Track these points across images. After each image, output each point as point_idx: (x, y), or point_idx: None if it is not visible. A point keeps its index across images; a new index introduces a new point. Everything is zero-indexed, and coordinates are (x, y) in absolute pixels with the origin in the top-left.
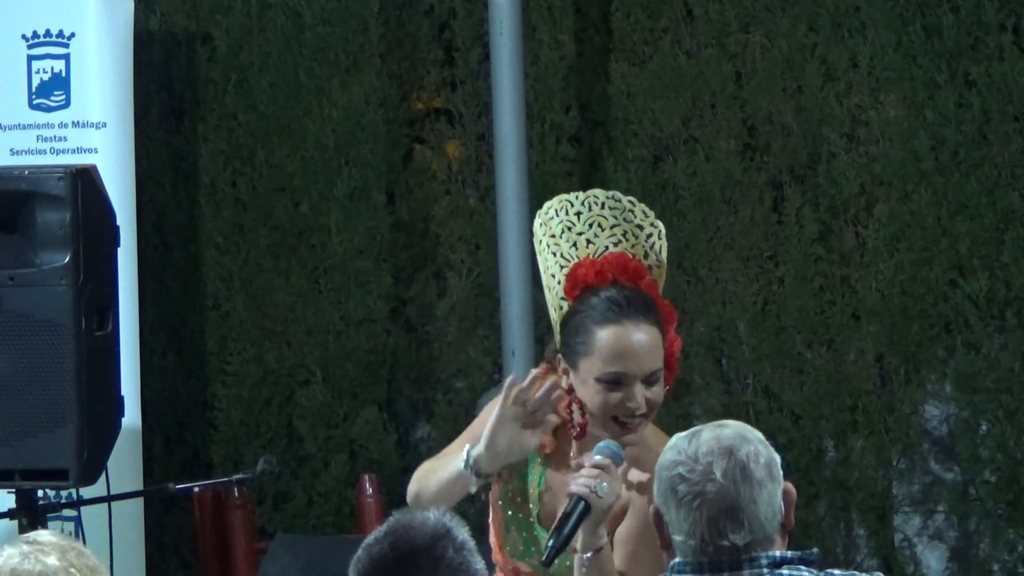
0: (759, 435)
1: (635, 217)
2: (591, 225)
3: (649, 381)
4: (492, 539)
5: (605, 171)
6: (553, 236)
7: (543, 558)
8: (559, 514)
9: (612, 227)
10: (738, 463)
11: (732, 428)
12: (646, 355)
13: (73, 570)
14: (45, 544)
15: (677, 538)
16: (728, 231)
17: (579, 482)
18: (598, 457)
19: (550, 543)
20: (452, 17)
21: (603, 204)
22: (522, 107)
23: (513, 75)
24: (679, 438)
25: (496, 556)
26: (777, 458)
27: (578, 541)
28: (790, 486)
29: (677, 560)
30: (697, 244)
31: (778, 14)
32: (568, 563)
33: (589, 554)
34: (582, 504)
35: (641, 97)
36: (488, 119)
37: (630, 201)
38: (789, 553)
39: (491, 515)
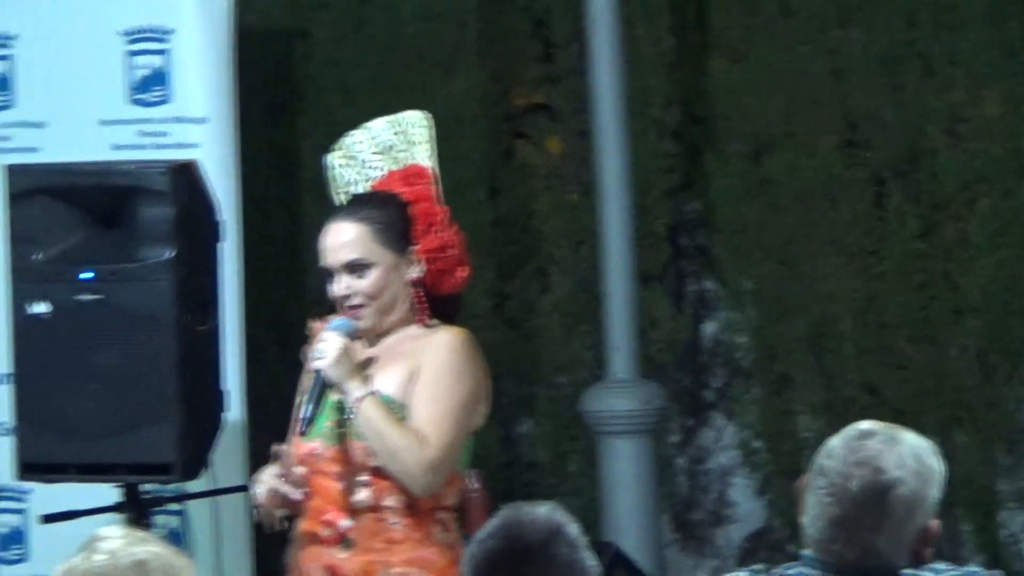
0: (927, 464)
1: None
2: (409, 144)
3: (354, 271)
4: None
5: (706, 166)
6: (376, 153)
7: (300, 429)
8: None
9: (421, 143)
10: (879, 488)
11: (901, 448)
12: (339, 248)
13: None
14: (134, 536)
15: (805, 518)
16: (829, 227)
17: (311, 358)
18: (323, 332)
19: (303, 415)
20: (549, 13)
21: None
22: (622, 102)
23: (612, 70)
24: (856, 428)
25: (296, 451)
26: (929, 495)
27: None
28: (934, 524)
29: (806, 552)
30: (798, 240)
31: (876, 9)
32: (326, 425)
33: (352, 407)
34: (317, 374)
35: (740, 93)
36: (588, 114)
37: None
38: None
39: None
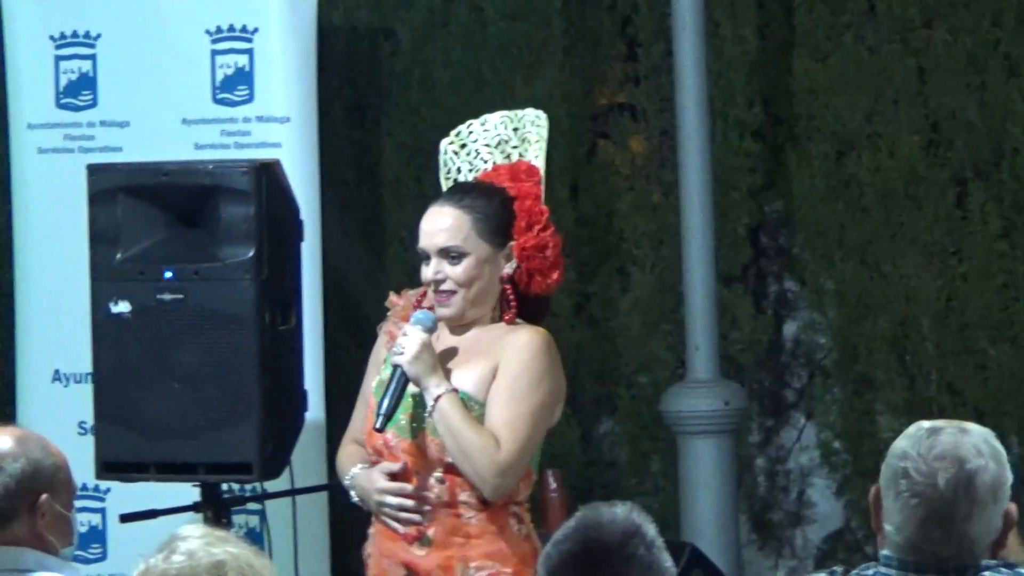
0: (997, 448)
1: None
2: (522, 141)
3: (448, 257)
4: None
5: (788, 166)
6: (488, 145)
7: (376, 424)
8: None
9: (536, 143)
10: (964, 477)
11: (973, 437)
12: (437, 232)
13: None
14: (213, 536)
15: (888, 527)
16: (911, 227)
17: (392, 351)
18: (405, 325)
19: (379, 409)
20: (634, 12)
21: (532, 121)
22: (705, 102)
23: (696, 70)
24: (919, 428)
25: (368, 440)
26: (1007, 478)
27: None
28: (1012, 508)
29: (884, 552)
30: (880, 240)
31: (961, 9)
32: (401, 417)
33: (431, 404)
34: (397, 369)
35: (824, 92)
36: (671, 114)
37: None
38: (994, 561)
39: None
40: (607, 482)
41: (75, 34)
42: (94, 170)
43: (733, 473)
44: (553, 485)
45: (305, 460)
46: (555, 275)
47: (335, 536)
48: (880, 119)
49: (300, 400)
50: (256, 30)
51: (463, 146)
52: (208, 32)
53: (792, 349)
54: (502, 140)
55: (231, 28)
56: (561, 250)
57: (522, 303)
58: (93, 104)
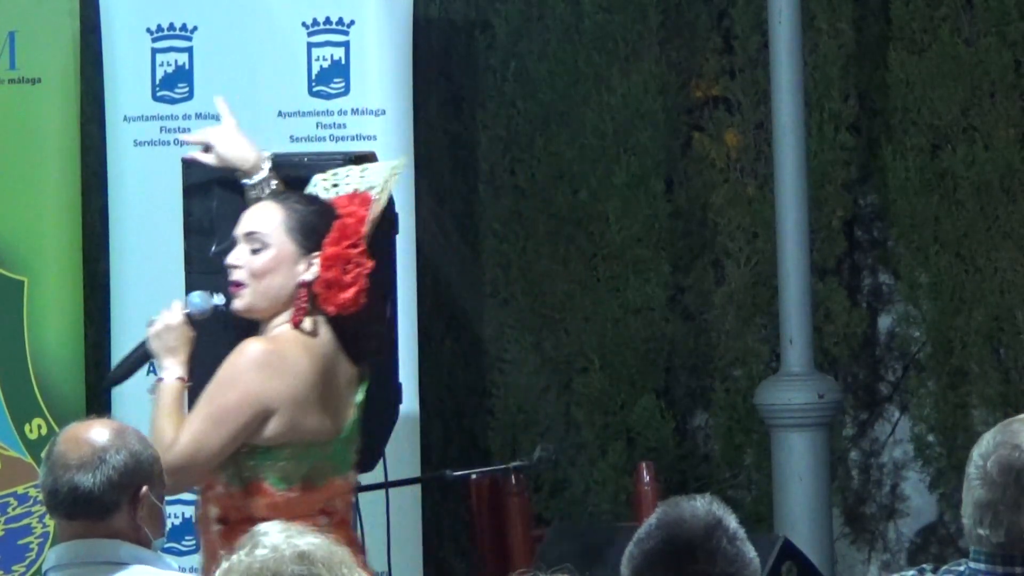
0: None
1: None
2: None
3: (251, 244)
4: None
5: (883, 159)
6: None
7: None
8: None
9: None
10: (1014, 464)
11: None
12: (248, 220)
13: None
14: (292, 530)
15: (963, 519)
16: (1007, 220)
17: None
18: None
19: (111, 371)
20: (731, 5)
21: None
22: (801, 95)
23: (792, 63)
24: (1016, 420)
25: None
26: None
27: None
28: None
29: (974, 547)
30: (975, 233)
31: None
32: None
33: (155, 384)
34: (142, 343)
35: (920, 85)
36: (767, 107)
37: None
38: None
39: None
40: (701, 475)
41: (172, 27)
42: (188, 163)
43: (827, 466)
44: (646, 478)
45: (399, 453)
46: (349, 293)
47: (428, 529)
48: (976, 112)
49: (394, 393)
50: (352, 23)
51: (335, 185)
52: (304, 25)
53: (886, 342)
54: (372, 187)
55: (327, 21)
56: (367, 276)
57: (345, 336)
58: (189, 97)
